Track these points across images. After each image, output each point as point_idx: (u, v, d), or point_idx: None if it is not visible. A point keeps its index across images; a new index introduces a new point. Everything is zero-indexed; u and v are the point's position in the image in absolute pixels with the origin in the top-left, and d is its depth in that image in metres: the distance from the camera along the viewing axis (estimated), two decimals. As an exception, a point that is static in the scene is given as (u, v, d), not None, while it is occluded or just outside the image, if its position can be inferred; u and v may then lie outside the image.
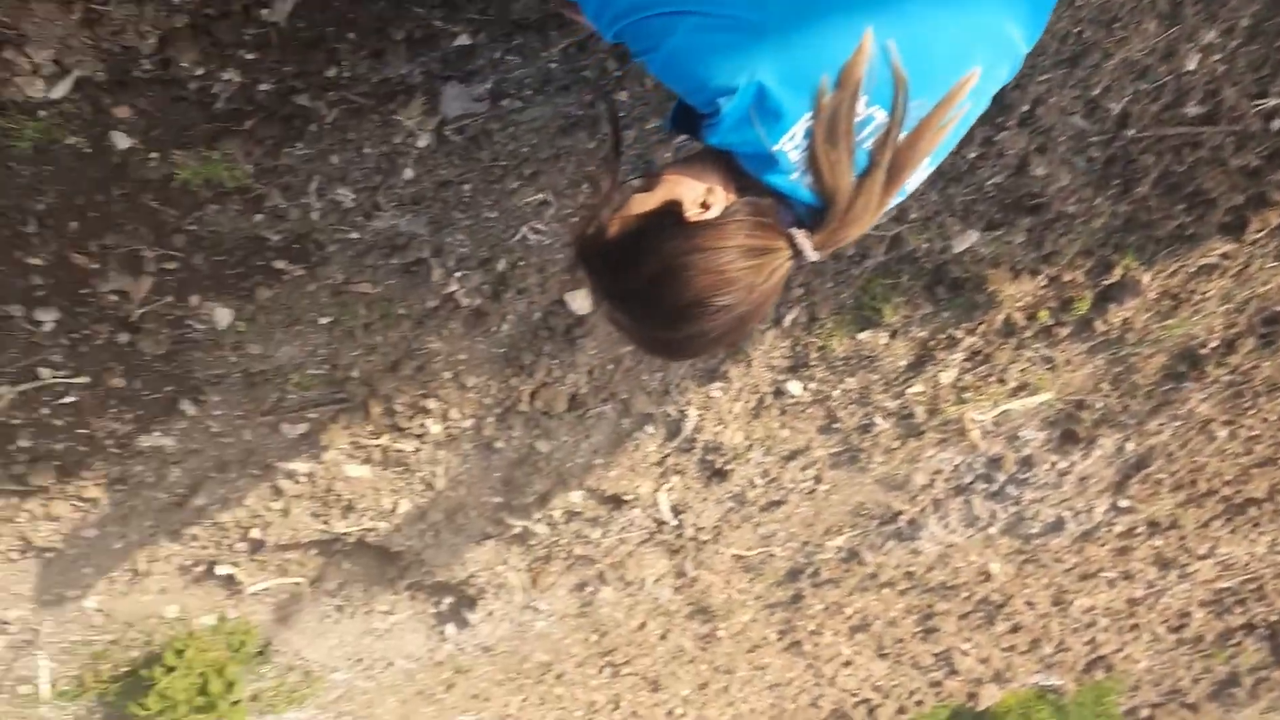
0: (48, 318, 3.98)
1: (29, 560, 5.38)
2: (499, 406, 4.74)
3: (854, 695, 7.62)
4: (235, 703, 6.08)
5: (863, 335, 4.56)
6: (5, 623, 5.78)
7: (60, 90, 3.11)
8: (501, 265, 4.09)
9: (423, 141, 3.49)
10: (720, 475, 5.26)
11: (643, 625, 6.50)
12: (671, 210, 1.81)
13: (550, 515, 5.37)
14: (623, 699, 7.19)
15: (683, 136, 3.47)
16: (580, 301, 4.23)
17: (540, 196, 3.77)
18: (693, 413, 4.85)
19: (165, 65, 3.13)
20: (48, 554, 5.37)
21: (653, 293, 1.81)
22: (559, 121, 3.53)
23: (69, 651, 6.17)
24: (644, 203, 1.86)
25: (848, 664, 7.27)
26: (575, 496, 5.26)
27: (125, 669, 6.37)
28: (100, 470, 4.88)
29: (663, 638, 6.66)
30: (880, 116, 1.77)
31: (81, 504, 5.06)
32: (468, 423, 4.79)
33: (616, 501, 5.34)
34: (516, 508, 5.32)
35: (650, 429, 4.93)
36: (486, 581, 5.95)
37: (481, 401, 4.70)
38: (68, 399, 4.42)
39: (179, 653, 6.09)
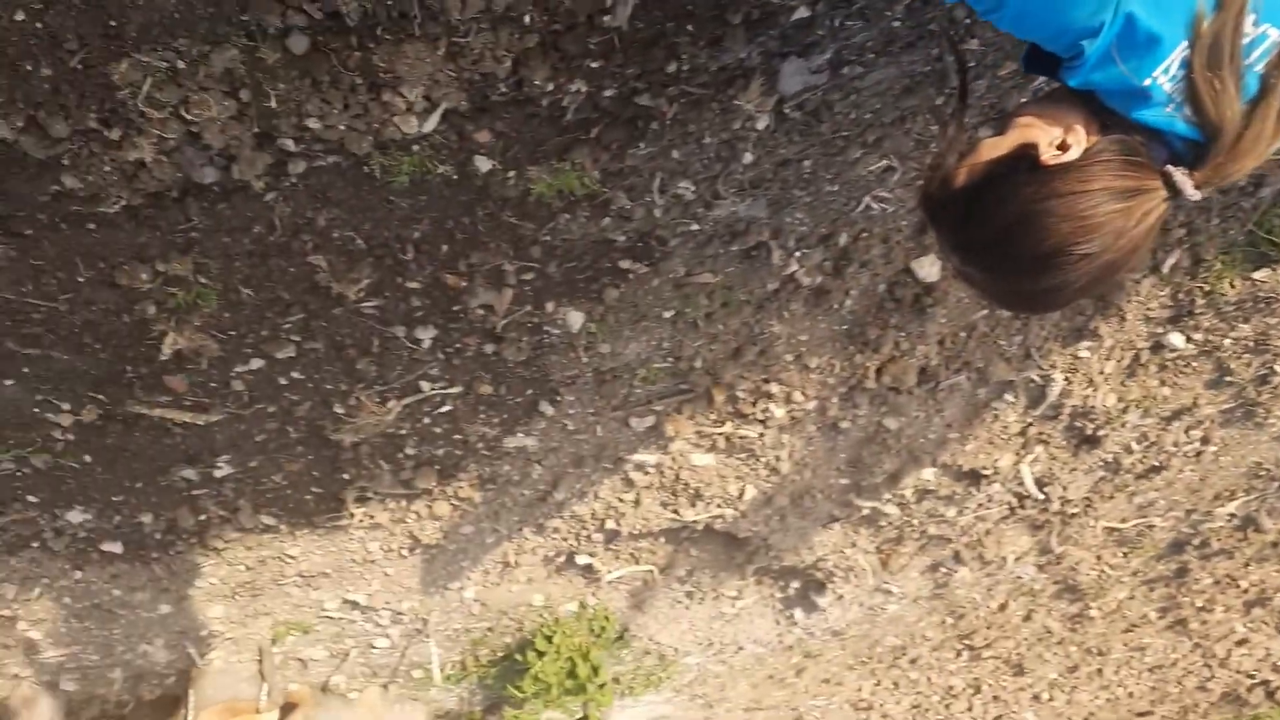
0: (426, 336, 4.33)
1: (417, 556, 5.93)
2: (844, 385, 4.64)
3: (1250, 677, 6.83)
4: (601, 686, 6.39)
5: (1259, 275, 4.04)
6: (399, 613, 6.41)
7: (430, 124, 3.34)
8: (843, 239, 3.98)
9: (762, 123, 3.45)
10: (1090, 442, 4.86)
11: (1004, 606, 6.16)
12: (1026, 154, 1.70)
13: (901, 495, 5.20)
14: (983, 683, 6.86)
15: (1040, 79, 3.20)
16: (928, 268, 4.03)
17: (884, 163, 3.63)
18: (1058, 376, 4.50)
19: (519, 86, 3.29)
20: (432, 550, 5.89)
21: (1008, 243, 1.71)
22: (903, 82, 3.37)
23: (452, 639, 6.74)
24: (995, 148, 1.76)
25: (1242, 642, 6.51)
26: (928, 474, 5.05)
27: (501, 654, 6.88)
28: (473, 471, 5.28)
29: (1026, 619, 6.27)
30: (1274, 35, 1.58)
31: (459, 503, 5.50)
32: (811, 404, 4.72)
33: (973, 477, 5.08)
34: (865, 489, 5.19)
35: (1010, 397, 4.64)
36: (835, 565, 5.87)
37: (825, 382, 4.61)
38: (444, 408, 4.80)
39: (548, 638, 6.49)
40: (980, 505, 5.29)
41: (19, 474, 4.61)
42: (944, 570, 5.83)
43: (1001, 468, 5.00)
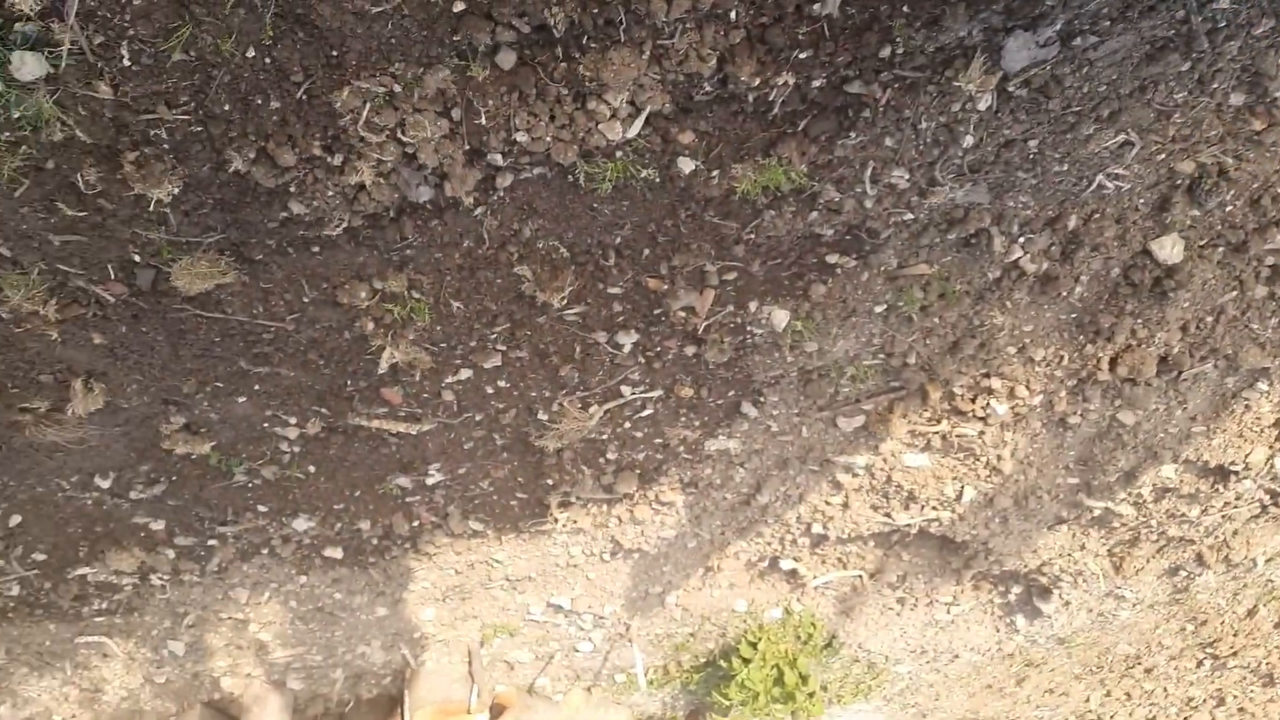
0: (627, 340, 4.29)
1: (618, 561, 5.93)
2: (1072, 378, 4.31)
3: None
4: (811, 694, 6.21)
5: None
6: (602, 617, 6.44)
7: (634, 129, 3.29)
8: (1072, 222, 3.68)
9: (983, 104, 3.22)
10: (1365, 434, 4.35)
11: (1252, 611, 5.62)
12: None
13: (1137, 494, 4.80)
14: (1227, 694, 6.29)
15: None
16: (1169, 249, 3.68)
17: (1120, 138, 3.32)
18: (1324, 362, 4.05)
19: (724, 83, 3.19)
20: (634, 554, 5.88)
21: None
22: (1142, 49, 3.07)
23: (654, 643, 6.72)
24: None
25: None
26: (1168, 471, 4.64)
27: (704, 660, 6.82)
28: (675, 475, 5.22)
29: (1278, 625, 5.70)
30: None
31: (660, 507, 5.46)
32: (1036, 399, 4.41)
33: (1220, 473, 4.63)
34: (1096, 488, 4.82)
35: (1263, 386, 4.19)
36: (1061, 569, 5.49)
37: (1052, 375, 4.30)
38: (645, 412, 4.76)
39: (753, 645, 6.37)
40: (1228, 504, 4.82)
41: (250, 485, 4.87)
42: (1185, 574, 5.36)
43: (1253, 463, 4.53)
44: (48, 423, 4.17)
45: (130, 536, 4.98)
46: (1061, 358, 4.20)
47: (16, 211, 3.27)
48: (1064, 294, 3.93)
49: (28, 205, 3.26)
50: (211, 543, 5.17)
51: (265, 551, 5.39)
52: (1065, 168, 3.47)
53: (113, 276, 3.58)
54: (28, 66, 2.77)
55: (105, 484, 4.62)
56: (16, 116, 2.91)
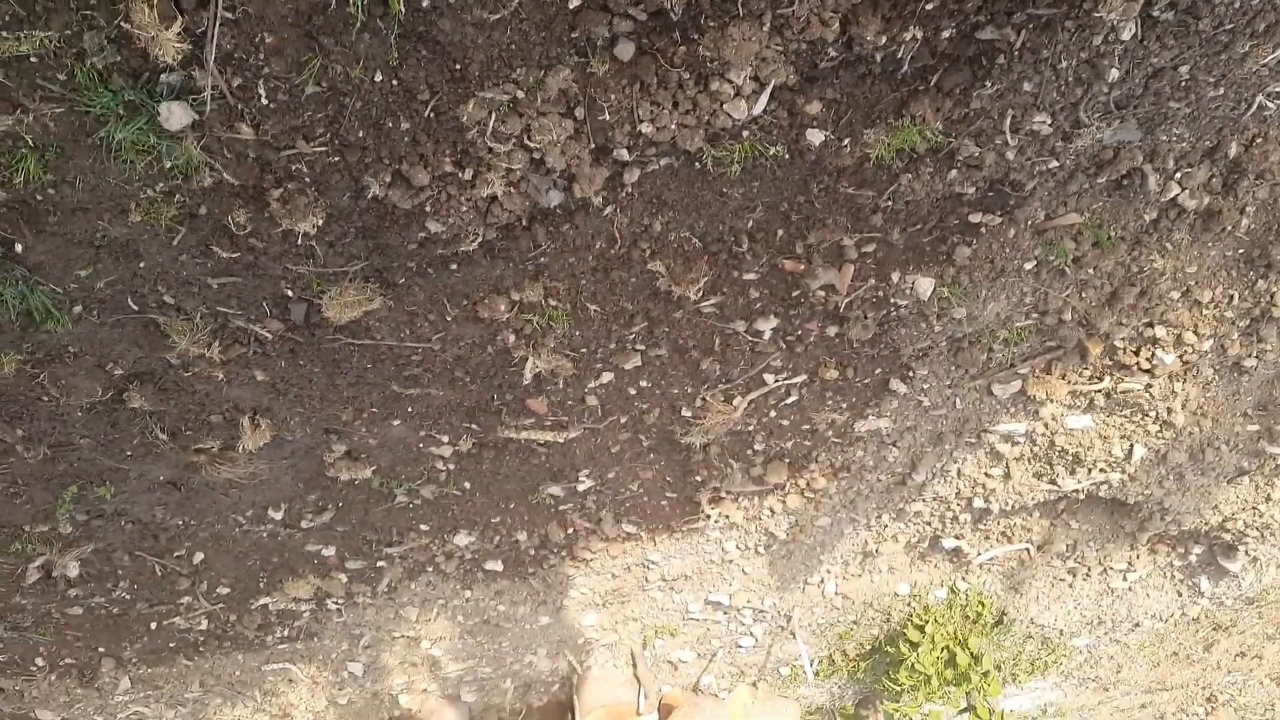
0: (766, 327, 4.23)
1: (773, 552, 5.85)
2: (1244, 318, 4.05)
3: None
4: (985, 674, 6.01)
5: None
6: (761, 610, 6.37)
7: (760, 105, 3.23)
8: (1233, 149, 3.46)
9: (1127, 33, 3.04)
10: None
11: None
12: None
13: (1330, 435, 4.48)
14: None
15: None
16: (1349, 165, 3.42)
17: (1282, 51, 3.10)
18: None
19: (849, 46, 3.10)
20: (788, 545, 5.79)
21: None
22: (1302, -52, 2.86)
23: (817, 634, 6.61)
24: None
25: None
26: (1363, 407, 4.32)
27: (869, 647, 6.67)
28: (825, 461, 5.12)
29: None
30: None
31: (812, 494, 5.36)
32: (1206, 344, 4.16)
33: None
34: (1279, 434, 4.53)
35: None
36: (1246, 524, 5.16)
37: (1221, 316, 4.04)
38: (790, 399, 4.68)
39: (919, 628, 6.20)
40: None
41: (411, 505, 5.00)
42: (1390, 518, 4.98)
43: None
44: (220, 461, 4.37)
45: (305, 564, 5.18)
46: (1231, 297, 3.95)
47: (176, 260, 3.44)
48: (1229, 228, 3.69)
49: (185, 252, 3.42)
50: (380, 564, 5.33)
51: (430, 569, 5.53)
52: (1221, 92, 3.26)
53: (269, 313, 3.73)
54: (175, 116, 2.89)
55: (278, 515, 4.81)
56: (169, 166, 3.05)
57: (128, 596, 5.12)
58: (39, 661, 5.46)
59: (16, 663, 5.44)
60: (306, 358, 3.94)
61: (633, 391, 4.54)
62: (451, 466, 4.80)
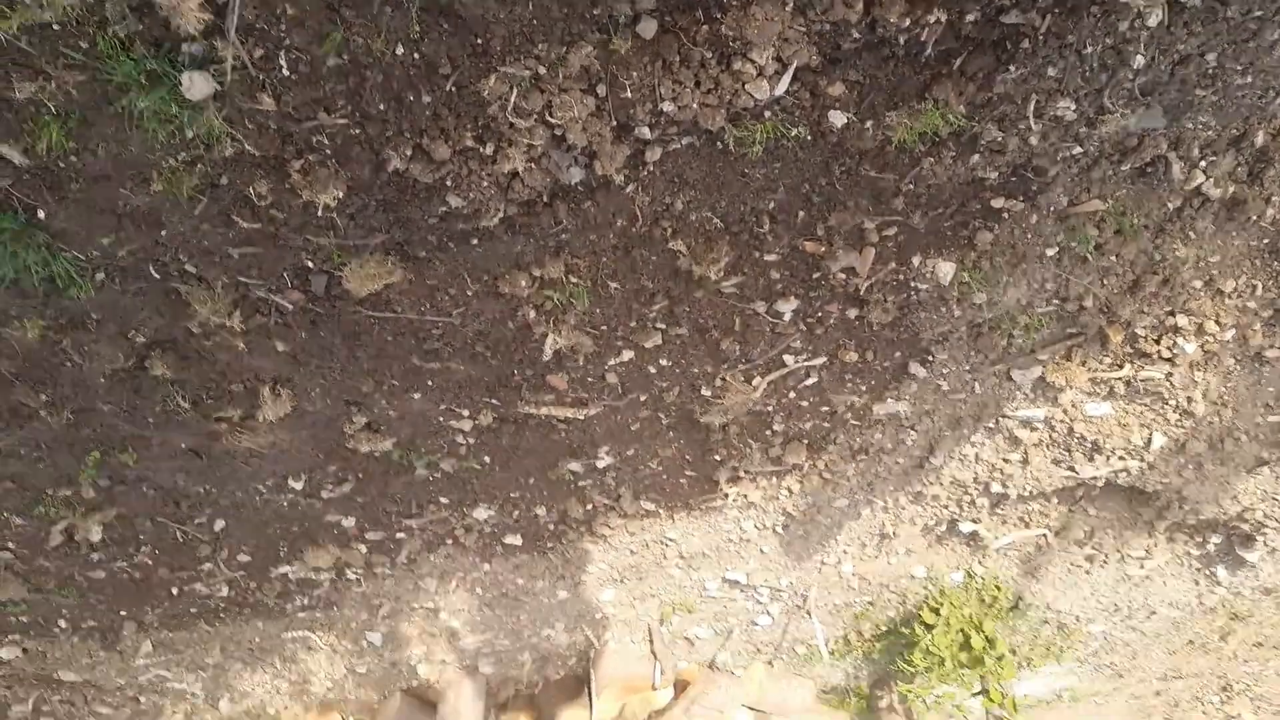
0: (786, 308, 4.23)
1: (791, 532, 5.87)
2: (1267, 309, 4.01)
3: None
4: (1000, 657, 6.02)
5: None
6: (778, 590, 6.40)
7: (782, 85, 3.22)
8: (1259, 138, 3.41)
9: (1153, 19, 3.01)
10: None
11: None
12: None
13: (1354, 428, 4.44)
14: None
15: None
16: (1380, 155, 3.37)
17: (1315, 37, 3.05)
18: None
19: (872, 28, 3.09)
20: (806, 525, 5.81)
21: None
22: (1335, -67, 2.81)
23: (833, 614, 6.64)
24: None
25: None
26: (1388, 400, 4.27)
27: (885, 628, 6.69)
28: (843, 443, 5.13)
29: None
30: None
31: (830, 476, 5.37)
32: (1228, 334, 4.12)
33: None
34: (1302, 425, 4.49)
35: None
36: (1265, 514, 5.13)
37: (1244, 306, 4.01)
38: (809, 381, 4.68)
39: (935, 610, 6.21)
40: None
41: (431, 478, 5.05)
42: None
43: None
44: (241, 430, 4.44)
45: (325, 534, 5.25)
46: (1254, 287, 3.91)
47: (198, 229, 3.48)
48: (1254, 218, 3.65)
49: (207, 221, 3.46)
50: (400, 536, 5.39)
51: (450, 542, 5.60)
52: (1249, 80, 3.22)
53: (290, 284, 3.77)
54: (197, 86, 2.92)
55: (298, 485, 4.88)
56: (190, 136, 3.09)
57: (149, 561, 5.22)
58: (61, 624, 5.58)
59: (40, 623, 5.56)
60: (327, 329, 3.98)
61: (653, 370, 4.56)
62: (471, 440, 4.84)
